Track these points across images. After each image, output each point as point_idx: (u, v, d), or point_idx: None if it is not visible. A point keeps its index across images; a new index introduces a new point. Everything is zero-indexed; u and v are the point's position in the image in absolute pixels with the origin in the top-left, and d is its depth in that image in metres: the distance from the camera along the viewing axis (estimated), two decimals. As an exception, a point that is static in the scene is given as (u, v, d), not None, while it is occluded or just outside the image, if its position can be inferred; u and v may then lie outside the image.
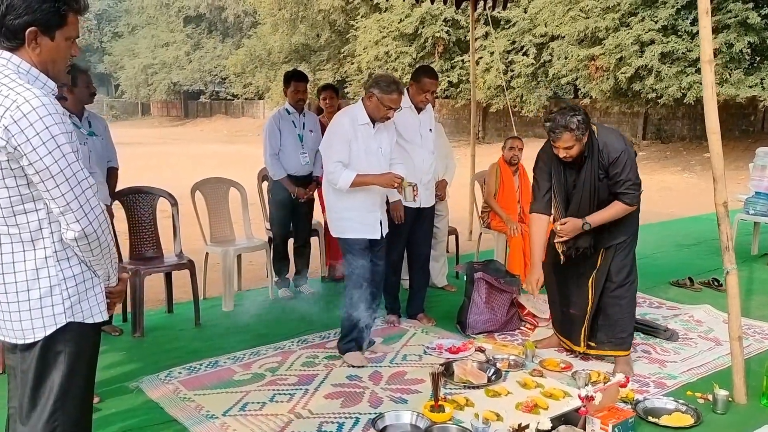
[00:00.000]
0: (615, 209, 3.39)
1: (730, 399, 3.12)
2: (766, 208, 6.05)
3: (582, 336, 3.61)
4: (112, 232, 1.87)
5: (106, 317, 1.88)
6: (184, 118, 40.50)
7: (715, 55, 13.26)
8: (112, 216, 3.93)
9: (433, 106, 4.55)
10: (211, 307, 4.73)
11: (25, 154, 1.65)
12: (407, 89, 4.27)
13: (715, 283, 5.31)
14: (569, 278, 3.64)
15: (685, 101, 13.87)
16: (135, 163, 14.36)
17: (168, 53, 36.91)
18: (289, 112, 4.88)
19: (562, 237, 3.49)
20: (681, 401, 3.14)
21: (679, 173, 14.09)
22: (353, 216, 3.67)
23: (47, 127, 1.66)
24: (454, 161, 5.15)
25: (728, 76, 12.90)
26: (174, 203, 4.50)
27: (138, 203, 4.37)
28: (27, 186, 1.71)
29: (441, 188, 4.72)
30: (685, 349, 3.94)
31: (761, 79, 13.14)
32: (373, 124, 3.68)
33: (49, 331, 1.78)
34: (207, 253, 4.94)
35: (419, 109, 4.23)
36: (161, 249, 4.47)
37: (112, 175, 4.20)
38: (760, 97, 13.19)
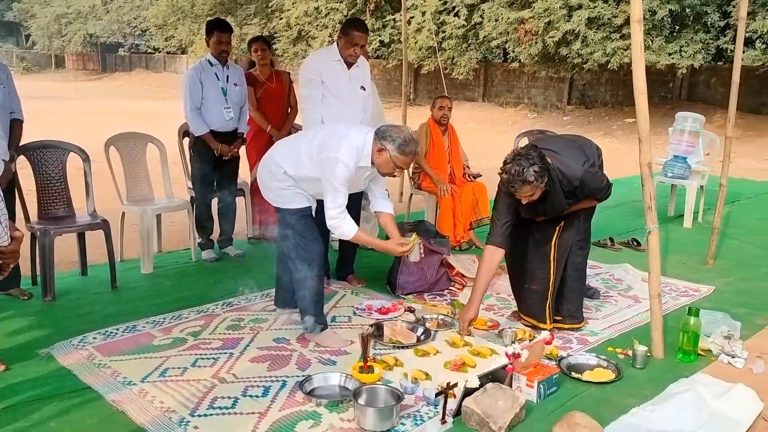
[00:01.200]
0: (587, 203, 3.44)
1: (648, 354, 3.23)
2: (682, 171, 6.27)
3: (547, 312, 3.51)
4: None
5: (-1, 280, 1.70)
6: (101, 72, 38.37)
7: (638, 22, 13.70)
8: (11, 172, 3.63)
9: (367, 59, 4.41)
10: (129, 269, 4.51)
11: None
12: (336, 42, 4.11)
13: (634, 243, 5.49)
14: (531, 254, 3.55)
15: (609, 67, 14.21)
16: (48, 118, 13.53)
17: (83, 2, 34.74)
18: (211, 64, 4.62)
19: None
20: (602, 357, 3.22)
21: (601, 137, 14.48)
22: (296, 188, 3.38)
23: None
24: (385, 122, 5.04)
25: (650, 43, 13.27)
26: (86, 158, 4.22)
27: (46, 159, 4.06)
28: None
29: None
30: (606, 306, 4.05)
31: (680, 47, 13.59)
32: (370, 167, 3.22)
33: None
34: (123, 213, 4.68)
35: (349, 65, 4.09)
36: (73, 208, 4.19)
37: (15, 127, 3.88)
38: (678, 64, 13.67)
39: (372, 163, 3.17)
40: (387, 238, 3.46)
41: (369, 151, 3.15)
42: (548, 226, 3.50)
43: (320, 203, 3.33)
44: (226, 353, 3.23)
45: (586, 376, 3.04)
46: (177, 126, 4.99)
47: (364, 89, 4.19)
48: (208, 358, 3.17)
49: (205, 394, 2.82)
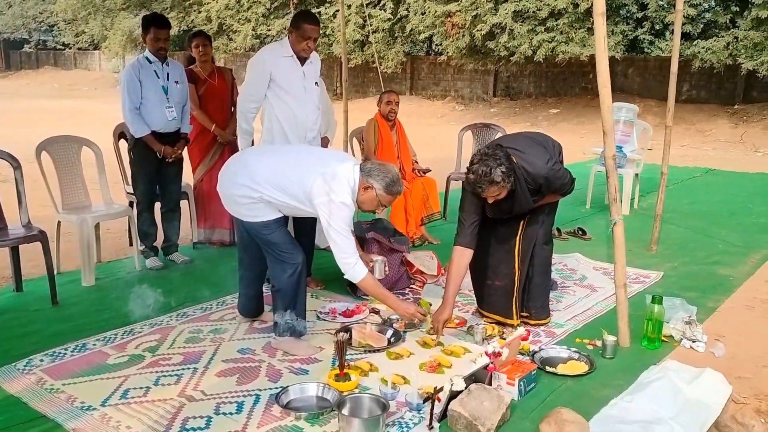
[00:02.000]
0: (551, 197, 3.45)
1: (616, 343, 3.28)
2: (618, 159, 6.44)
3: (514, 309, 3.50)
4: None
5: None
6: (5, 70, 36.06)
7: (561, 15, 14.07)
8: None
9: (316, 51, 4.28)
10: (69, 282, 4.21)
11: None
12: (287, 37, 3.96)
13: (580, 232, 5.62)
14: (494, 249, 3.52)
15: (535, 59, 14.55)
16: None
17: (-18, -5, 32.48)
18: (150, 61, 4.36)
19: None
20: (573, 349, 3.24)
21: (528, 128, 14.86)
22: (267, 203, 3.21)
23: None
24: (335, 118, 4.94)
25: (573, 36, 13.68)
26: (17, 166, 3.90)
27: (-29, 167, 3.72)
28: None
29: (324, 146, 4.49)
30: (565, 297, 4.10)
31: (601, 39, 14.08)
32: (356, 206, 3.13)
33: None
34: (59, 222, 4.36)
35: (302, 60, 3.95)
36: (4, 220, 3.87)
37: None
38: (599, 56, 14.16)
39: (355, 200, 3.08)
40: None
41: (357, 187, 3.05)
42: (512, 222, 3.49)
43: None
44: (189, 368, 3.05)
45: (561, 369, 3.05)
46: (98, 123, 4.71)
47: (317, 85, 4.07)
48: (170, 375, 2.98)
49: (174, 414, 2.64)
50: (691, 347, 3.35)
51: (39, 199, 5.05)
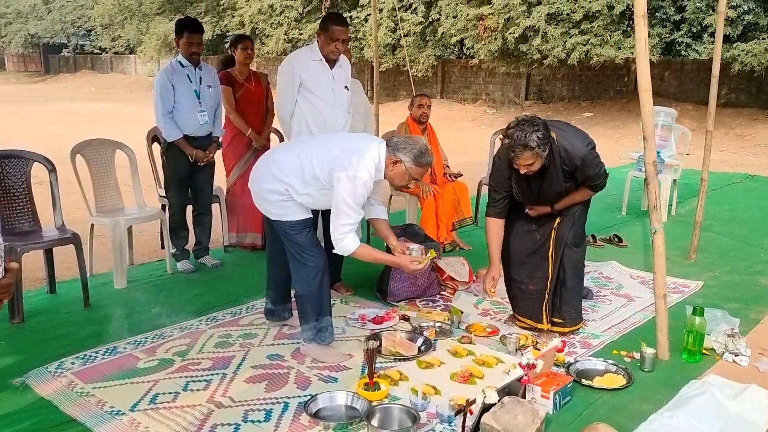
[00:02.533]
0: (582, 194, 3.37)
1: (655, 356, 3.17)
2: (657, 165, 6.29)
3: (544, 312, 3.45)
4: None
5: (-6, 318, 1.50)
6: (44, 74, 37.01)
7: (596, 17, 13.86)
8: None
9: (349, 58, 4.26)
10: (101, 285, 4.23)
11: None
12: (316, 40, 3.94)
13: (616, 239, 5.49)
14: (526, 252, 3.48)
15: (568, 62, 14.35)
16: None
17: (23, 1, 33.34)
18: (183, 66, 4.38)
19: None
20: (610, 361, 3.14)
21: (561, 132, 14.67)
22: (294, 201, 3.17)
23: None
24: (372, 119, 4.91)
25: (608, 38, 13.46)
26: (52, 169, 3.94)
27: (8, 170, 3.77)
28: None
29: None
30: (601, 306, 3.99)
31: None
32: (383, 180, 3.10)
33: None
34: (92, 225, 4.40)
35: (332, 63, 3.92)
36: (39, 222, 3.91)
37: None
38: (633, 59, 13.94)
39: (385, 176, 3.04)
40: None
41: (383, 164, 3.01)
42: (545, 224, 3.44)
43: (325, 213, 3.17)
44: (218, 374, 3.03)
45: (597, 382, 2.96)
46: (134, 127, 4.74)
47: (347, 89, 4.03)
48: (200, 381, 2.97)
49: (202, 421, 2.62)
50: (734, 361, 3.22)
51: (73, 202, 5.10)
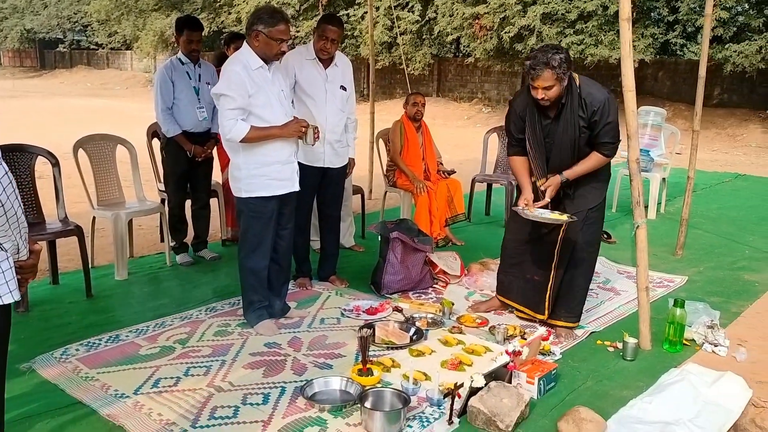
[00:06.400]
0: (592, 161, 3.33)
1: (637, 346, 3.30)
2: (645, 163, 6.43)
3: (546, 304, 3.50)
4: (18, 198, 1.59)
5: (17, 297, 1.61)
6: (40, 69, 36.97)
7: (590, 17, 13.97)
8: None
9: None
10: (102, 276, 4.35)
11: None
12: (312, 39, 4.05)
13: (605, 236, 5.61)
14: (535, 244, 3.53)
15: (562, 61, 14.45)
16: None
17: (19, -4, 33.31)
18: (182, 63, 4.49)
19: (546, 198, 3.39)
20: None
21: (555, 131, 14.81)
22: (269, 172, 3.33)
23: None
24: (354, 116, 4.99)
25: (603, 38, 13.59)
26: (55, 163, 4.05)
27: (13, 163, 3.87)
28: None
29: (351, 167, 4.40)
30: (588, 299, 4.09)
31: (632, 42, 14.00)
32: (268, 67, 3.32)
33: None
34: (94, 218, 4.51)
35: (327, 62, 4.02)
36: (42, 214, 4.02)
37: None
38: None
39: (261, 57, 3.26)
40: (380, 244, 3.45)
41: (250, 51, 3.26)
42: (552, 231, 3.45)
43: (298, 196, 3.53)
44: (217, 360, 3.15)
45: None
46: (133, 122, 4.84)
47: (344, 89, 4.12)
48: (200, 367, 3.08)
49: (203, 404, 2.74)
50: (712, 351, 3.35)
51: (74, 195, 5.23)
